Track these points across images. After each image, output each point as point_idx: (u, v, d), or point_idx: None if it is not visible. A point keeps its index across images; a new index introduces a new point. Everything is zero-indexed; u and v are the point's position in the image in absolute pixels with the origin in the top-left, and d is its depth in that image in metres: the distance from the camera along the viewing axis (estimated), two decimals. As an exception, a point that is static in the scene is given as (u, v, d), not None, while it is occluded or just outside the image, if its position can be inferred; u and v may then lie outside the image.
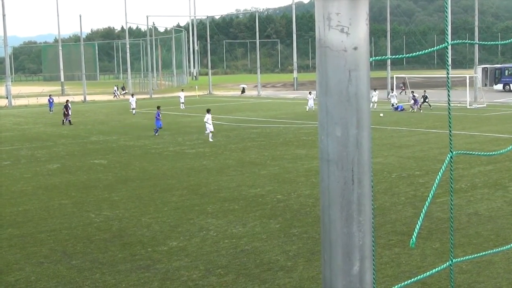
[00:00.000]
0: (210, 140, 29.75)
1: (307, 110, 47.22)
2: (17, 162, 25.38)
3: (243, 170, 22.00)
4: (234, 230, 14.29)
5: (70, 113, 41.81)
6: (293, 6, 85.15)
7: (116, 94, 79.72)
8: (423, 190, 18.39)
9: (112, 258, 12.42)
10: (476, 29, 59.49)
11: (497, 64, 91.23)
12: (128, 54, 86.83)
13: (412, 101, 46.46)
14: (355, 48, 2.26)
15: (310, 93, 49.43)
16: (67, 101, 43.91)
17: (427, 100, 47.64)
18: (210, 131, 30.23)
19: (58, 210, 16.61)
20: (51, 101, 53.32)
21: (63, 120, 41.67)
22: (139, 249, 12.95)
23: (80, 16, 77.22)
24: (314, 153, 25.05)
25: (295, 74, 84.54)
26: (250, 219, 15.24)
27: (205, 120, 30.64)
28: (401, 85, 57.50)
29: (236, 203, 16.95)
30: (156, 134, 33.33)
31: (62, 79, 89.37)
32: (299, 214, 15.72)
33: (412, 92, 48.63)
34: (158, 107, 35.29)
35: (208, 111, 31.09)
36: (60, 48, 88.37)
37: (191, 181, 20.21)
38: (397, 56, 2.97)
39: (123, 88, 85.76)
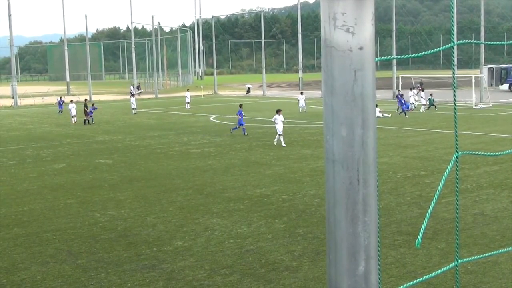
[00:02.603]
0: (280, 143, 27.91)
1: (300, 111, 46.76)
2: (23, 162, 25.45)
3: (248, 170, 22.01)
4: (239, 230, 14.29)
5: (89, 112, 41.90)
6: (299, 6, 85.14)
7: (132, 93, 79.49)
8: (429, 190, 18.37)
9: (117, 258, 12.44)
10: (482, 29, 59.33)
11: (503, 64, 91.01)
12: (133, 54, 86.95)
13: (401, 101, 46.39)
14: (361, 48, 2.26)
15: (301, 93, 49.38)
16: (86, 100, 44.10)
17: (434, 103, 47.47)
18: (279, 134, 28.06)
19: (63, 209, 16.65)
20: (61, 102, 53.31)
21: (85, 120, 41.65)
22: (144, 249, 12.97)
23: (86, 16, 77.36)
24: (319, 153, 25.04)
25: (300, 74, 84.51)
26: (255, 219, 15.25)
27: (272, 119, 28.68)
28: (418, 85, 57.59)
29: (241, 203, 16.96)
30: (232, 131, 32.72)
31: (68, 79, 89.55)
32: (304, 214, 15.71)
33: (399, 90, 48.34)
34: (241, 105, 34.22)
35: (277, 111, 28.79)
36: (66, 48, 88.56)
37: (196, 181, 20.23)
38: (402, 56, 2.96)
39: (138, 88, 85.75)
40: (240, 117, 32.47)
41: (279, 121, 28.00)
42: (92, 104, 43.78)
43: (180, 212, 16.03)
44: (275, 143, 28.10)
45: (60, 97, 55.81)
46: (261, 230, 14.24)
